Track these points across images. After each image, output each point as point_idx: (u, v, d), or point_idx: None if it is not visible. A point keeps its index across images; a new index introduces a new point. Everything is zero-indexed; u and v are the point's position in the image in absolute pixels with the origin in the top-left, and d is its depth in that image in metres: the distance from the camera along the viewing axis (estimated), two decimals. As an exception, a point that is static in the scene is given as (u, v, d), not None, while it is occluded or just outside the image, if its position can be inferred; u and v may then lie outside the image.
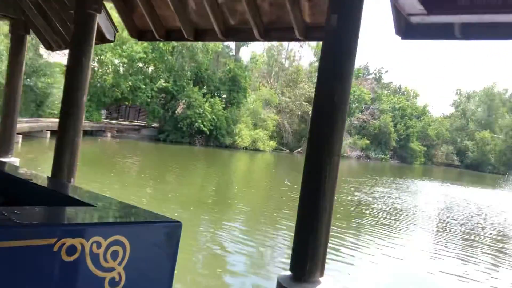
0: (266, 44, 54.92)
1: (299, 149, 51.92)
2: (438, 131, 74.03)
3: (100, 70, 37.92)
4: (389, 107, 65.31)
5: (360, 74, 64.91)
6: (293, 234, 4.36)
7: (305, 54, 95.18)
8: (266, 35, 5.86)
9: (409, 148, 66.38)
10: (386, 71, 76.06)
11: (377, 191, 23.40)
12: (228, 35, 6.29)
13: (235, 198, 16.40)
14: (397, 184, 30.20)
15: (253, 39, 5.96)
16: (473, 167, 71.87)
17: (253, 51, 59.37)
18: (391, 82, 76.52)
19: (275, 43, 54.02)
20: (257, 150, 45.26)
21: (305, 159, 4.33)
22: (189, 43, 37.53)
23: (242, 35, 6.23)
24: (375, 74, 73.33)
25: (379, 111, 62.71)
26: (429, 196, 24.90)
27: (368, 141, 60.16)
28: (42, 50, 27.41)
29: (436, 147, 73.80)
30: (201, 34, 6.66)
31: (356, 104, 57.97)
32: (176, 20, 6.69)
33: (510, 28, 2.25)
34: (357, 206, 17.33)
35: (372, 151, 60.70)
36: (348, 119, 57.77)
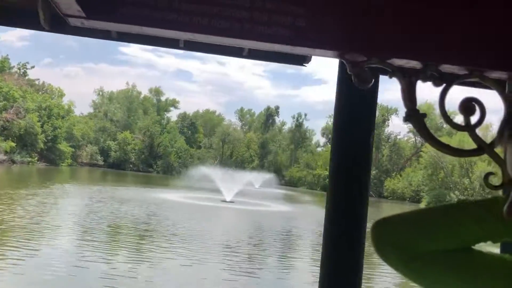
0: None
1: None
2: (84, 131, 74.59)
3: None
4: (36, 106, 61.09)
5: (5, 68, 57.84)
6: None
7: None
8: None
9: (57, 150, 63.93)
10: (32, 67, 69.46)
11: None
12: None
13: None
14: (74, 190, 29.12)
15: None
16: (116, 166, 75.90)
17: None
18: (38, 79, 71.62)
19: None
20: None
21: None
22: None
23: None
24: (19, 69, 67.02)
25: (24, 110, 57.68)
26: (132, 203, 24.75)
27: (13, 143, 54.33)
28: None
29: (82, 147, 74.15)
30: None
31: (4, 102, 51.34)
32: None
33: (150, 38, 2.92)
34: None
35: (18, 154, 55.15)
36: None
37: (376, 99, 2.79)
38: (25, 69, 67.73)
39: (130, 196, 28.38)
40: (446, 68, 1.42)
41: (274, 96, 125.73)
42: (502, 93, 1.32)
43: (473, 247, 0.99)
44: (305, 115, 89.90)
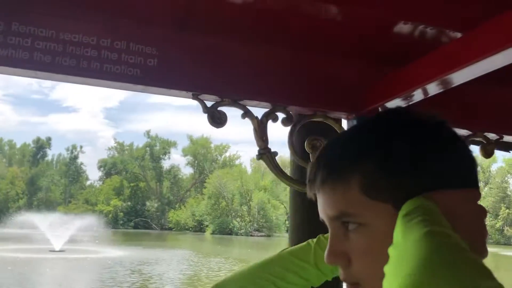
0: None
1: None
2: None
3: None
4: None
5: None
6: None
7: None
8: None
9: None
10: None
11: None
12: None
13: None
14: None
15: None
16: None
17: None
18: None
19: None
20: None
21: None
22: None
23: None
24: None
25: None
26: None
27: None
28: None
29: None
30: None
31: None
32: None
33: None
34: None
35: None
36: None
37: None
38: None
39: None
40: (293, 109, 1.54)
41: (17, 123, 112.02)
42: (340, 130, 1.51)
43: None
44: (81, 147, 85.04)
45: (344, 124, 1.57)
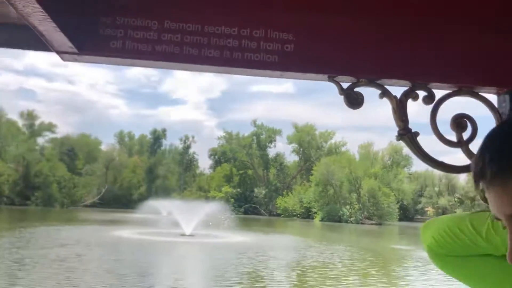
0: None
1: None
2: None
3: None
4: None
5: None
6: None
7: None
8: None
9: None
10: None
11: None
12: None
13: None
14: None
15: None
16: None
17: None
18: None
19: None
20: None
21: None
22: None
23: None
24: None
25: None
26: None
27: None
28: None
29: None
30: None
31: None
32: None
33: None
34: None
35: None
36: None
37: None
38: None
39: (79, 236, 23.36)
40: (435, 86, 1.47)
41: (129, 115, 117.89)
42: (492, 108, 1.40)
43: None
44: (193, 137, 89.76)
45: (494, 99, 1.45)
